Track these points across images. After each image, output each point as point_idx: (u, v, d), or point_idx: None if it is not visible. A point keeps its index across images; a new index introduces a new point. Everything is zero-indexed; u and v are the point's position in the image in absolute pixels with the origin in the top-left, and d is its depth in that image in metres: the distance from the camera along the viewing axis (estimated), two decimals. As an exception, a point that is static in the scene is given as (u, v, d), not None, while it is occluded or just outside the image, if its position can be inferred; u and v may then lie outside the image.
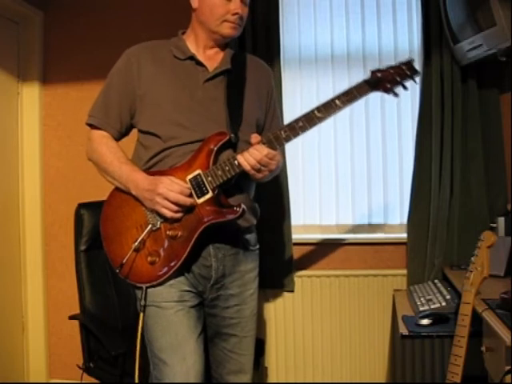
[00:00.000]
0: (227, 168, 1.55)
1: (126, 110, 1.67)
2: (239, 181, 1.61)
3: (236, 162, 1.54)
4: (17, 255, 2.80)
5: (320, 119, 1.56)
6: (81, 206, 2.27)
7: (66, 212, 2.60)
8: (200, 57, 1.67)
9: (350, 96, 1.56)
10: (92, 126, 1.70)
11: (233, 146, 1.61)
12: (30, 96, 2.82)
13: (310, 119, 1.56)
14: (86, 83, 2.77)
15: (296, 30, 2.72)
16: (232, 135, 1.60)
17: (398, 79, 1.56)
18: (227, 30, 1.63)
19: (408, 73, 1.56)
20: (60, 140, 2.85)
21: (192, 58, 1.66)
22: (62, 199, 2.83)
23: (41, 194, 2.85)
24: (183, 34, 1.74)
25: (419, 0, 2.51)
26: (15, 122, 2.80)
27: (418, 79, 1.64)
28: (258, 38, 2.54)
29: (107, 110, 1.67)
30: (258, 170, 1.55)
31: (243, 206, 1.55)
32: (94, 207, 2.26)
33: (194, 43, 1.69)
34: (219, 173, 1.55)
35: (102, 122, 1.67)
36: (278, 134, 1.56)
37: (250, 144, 1.60)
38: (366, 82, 1.57)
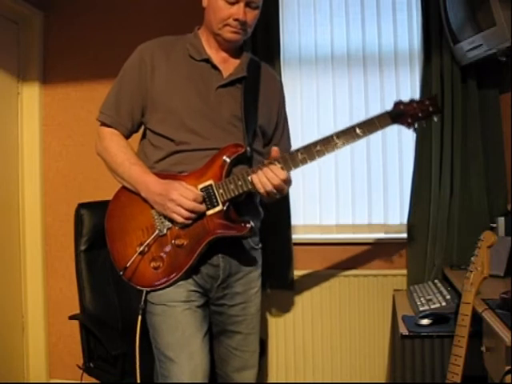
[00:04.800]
0: (240, 183, 1.53)
1: (138, 109, 1.65)
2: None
3: (249, 178, 1.53)
4: (17, 255, 2.80)
5: (338, 146, 1.55)
6: (81, 205, 2.27)
7: (66, 212, 2.60)
8: (215, 59, 1.64)
9: (371, 126, 1.55)
10: (102, 123, 1.68)
11: (247, 158, 1.60)
12: (30, 96, 2.82)
13: (328, 144, 1.55)
14: (85, 83, 2.77)
15: (296, 30, 2.72)
16: (248, 149, 1.58)
17: (420, 115, 1.56)
18: (228, 34, 1.60)
19: (431, 109, 1.56)
20: (60, 140, 2.85)
21: (207, 60, 1.63)
22: (61, 199, 2.83)
23: (41, 194, 2.85)
24: (199, 29, 1.71)
25: (419, 0, 2.51)
26: (15, 122, 2.80)
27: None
28: (258, 37, 2.54)
29: (118, 108, 1.65)
30: (272, 194, 1.54)
31: (252, 223, 1.54)
32: (94, 207, 2.26)
33: (207, 44, 1.67)
34: (231, 187, 1.54)
35: (113, 120, 1.65)
36: (295, 155, 1.54)
37: (261, 155, 1.58)
38: (388, 113, 1.56)
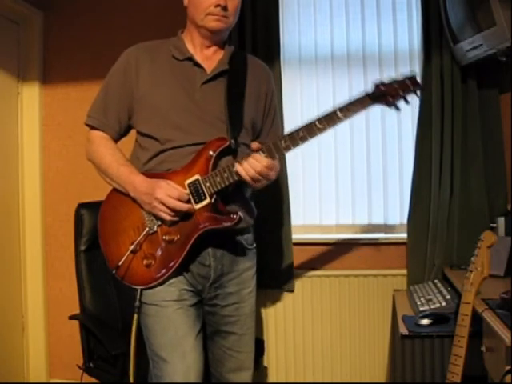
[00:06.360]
0: (226, 175, 1.55)
1: (125, 111, 1.67)
2: (236, 183, 1.60)
3: (235, 169, 1.54)
4: (17, 255, 2.80)
5: (321, 130, 1.55)
6: (81, 205, 2.27)
7: (66, 212, 2.60)
8: (198, 57, 1.66)
9: (352, 108, 1.54)
10: (91, 127, 1.70)
11: (233, 151, 1.61)
12: (30, 96, 2.82)
13: (310, 130, 1.55)
14: (85, 83, 2.77)
15: (296, 30, 2.72)
16: (232, 141, 1.59)
17: (401, 94, 1.54)
18: (211, 23, 1.61)
19: (411, 87, 1.54)
20: (60, 140, 2.85)
21: (190, 58, 1.65)
22: (61, 199, 2.83)
23: (41, 194, 2.85)
24: (182, 33, 1.73)
25: (419, 0, 2.52)
26: (15, 122, 2.80)
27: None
28: (258, 38, 2.54)
29: (106, 111, 1.67)
30: (257, 180, 1.55)
31: (240, 213, 1.56)
32: (94, 207, 2.23)
33: (191, 43, 1.69)
34: (218, 179, 1.55)
35: (101, 123, 1.68)
36: (278, 143, 1.55)
37: (249, 147, 1.60)
38: (368, 95, 1.55)
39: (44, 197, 2.86)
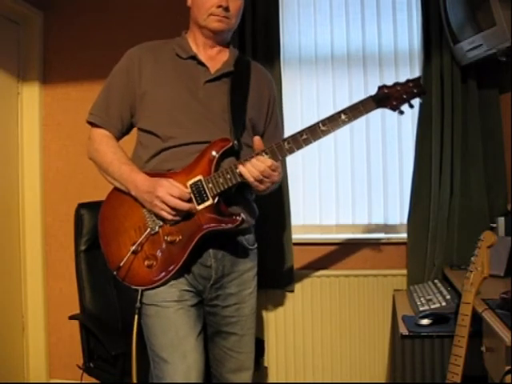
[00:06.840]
0: (228, 176, 1.54)
1: (127, 109, 1.67)
2: (239, 184, 1.60)
3: (238, 170, 1.53)
4: (17, 255, 2.80)
5: (324, 133, 1.55)
6: (81, 205, 2.27)
7: (66, 212, 2.60)
8: (201, 56, 1.66)
9: (355, 111, 1.54)
10: (93, 125, 1.70)
11: (235, 152, 1.61)
12: (30, 96, 2.82)
13: (314, 132, 1.55)
14: (86, 83, 2.77)
15: (296, 30, 2.72)
16: (235, 142, 1.59)
17: (405, 97, 1.55)
18: (213, 23, 1.62)
19: (415, 91, 1.55)
20: (60, 140, 2.85)
21: (193, 57, 1.66)
22: (61, 199, 2.83)
23: (41, 194, 2.85)
24: (186, 33, 1.74)
25: (419, 0, 2.52)
26: (15, 122, 2.80)
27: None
28: (258, 38, 2.54)
29: (108, 109, 1.67)
30: (261, 181, 1.54)
31: (242, 215, 1.55)
32: (94, 207, 2.24)
33: (194, 42, 1.70)
34: (220, 180, 1.55)
35: (103, 121, 1.67)
36: (281, 145, 1.55)
37: (251, 148, 1.59)
38: (372, 97, 1.55)
39: (44, 197, 2.86)
